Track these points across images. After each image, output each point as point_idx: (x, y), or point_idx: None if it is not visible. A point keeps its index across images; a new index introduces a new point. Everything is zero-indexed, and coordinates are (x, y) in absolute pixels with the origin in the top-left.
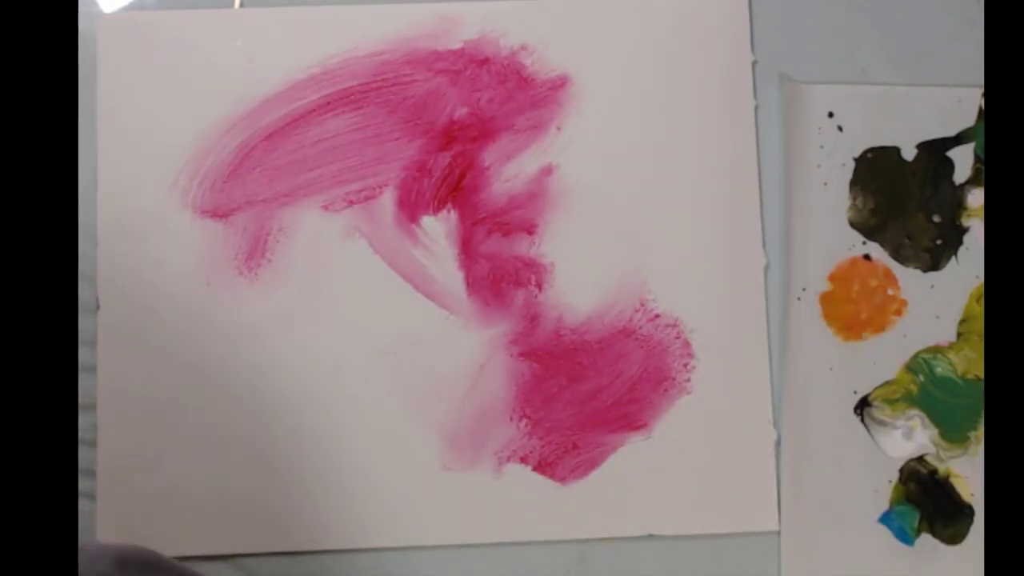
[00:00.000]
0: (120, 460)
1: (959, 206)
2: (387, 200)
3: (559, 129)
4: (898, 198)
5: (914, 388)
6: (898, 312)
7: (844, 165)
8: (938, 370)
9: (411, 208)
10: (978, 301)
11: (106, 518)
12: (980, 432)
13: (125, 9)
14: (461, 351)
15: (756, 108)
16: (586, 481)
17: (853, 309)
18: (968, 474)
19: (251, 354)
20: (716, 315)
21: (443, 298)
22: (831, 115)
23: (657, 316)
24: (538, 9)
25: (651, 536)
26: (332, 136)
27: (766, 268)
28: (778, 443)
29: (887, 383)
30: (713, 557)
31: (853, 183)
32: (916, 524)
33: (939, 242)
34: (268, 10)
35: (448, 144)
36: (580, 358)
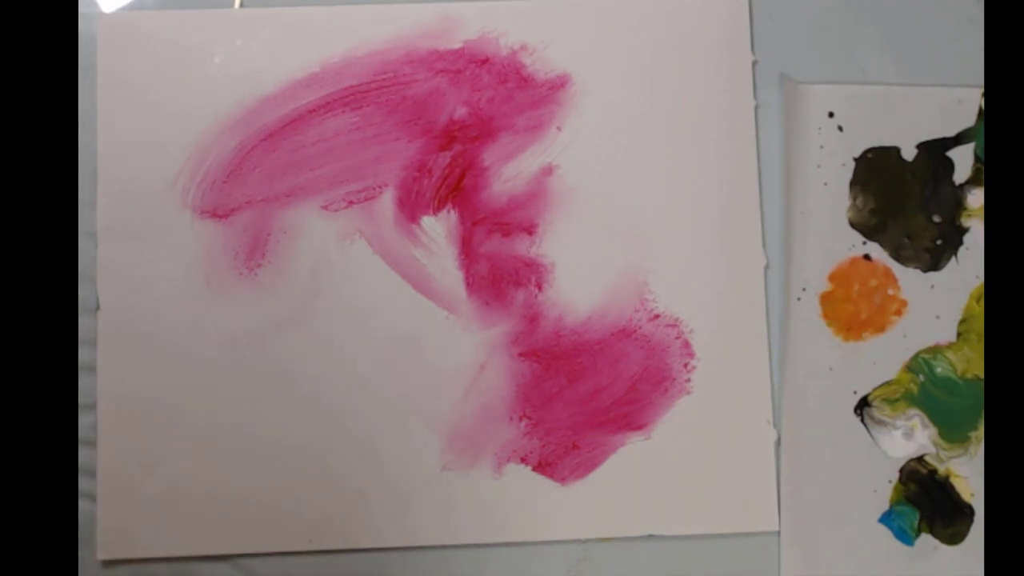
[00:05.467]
0: (120, 460)
1: (959, 206)
2: (387, 200)
3: (559, 129)
4: (898, 198)
5: (914, 388)
6: (898, 312)
7: (844, 165)
8: (938, 370)
9: (411, 208)
10: (978, 301)
11: (106, 518)
12: (980, 432)
13: (125, 9)
14: (461, 351)
15: (756, 108)
16: (586, 481)
17: (853, 309)
18: (968, 474)
19: (251, 354)
20: (716, 315)
21: (443, 298)
22: (831, 115)
23: (657, 316)
24: (538, 9)
25: (651, 536)
26: (332, 136)
27: (766, 268)
28: (778, 443)
29: (887, 383)
30: (713, 557)
31: (853, 183)
32: (916, 524)
33: (939, 242)
34: (268, 10)
35: (448, 144)
36: (580, 358)
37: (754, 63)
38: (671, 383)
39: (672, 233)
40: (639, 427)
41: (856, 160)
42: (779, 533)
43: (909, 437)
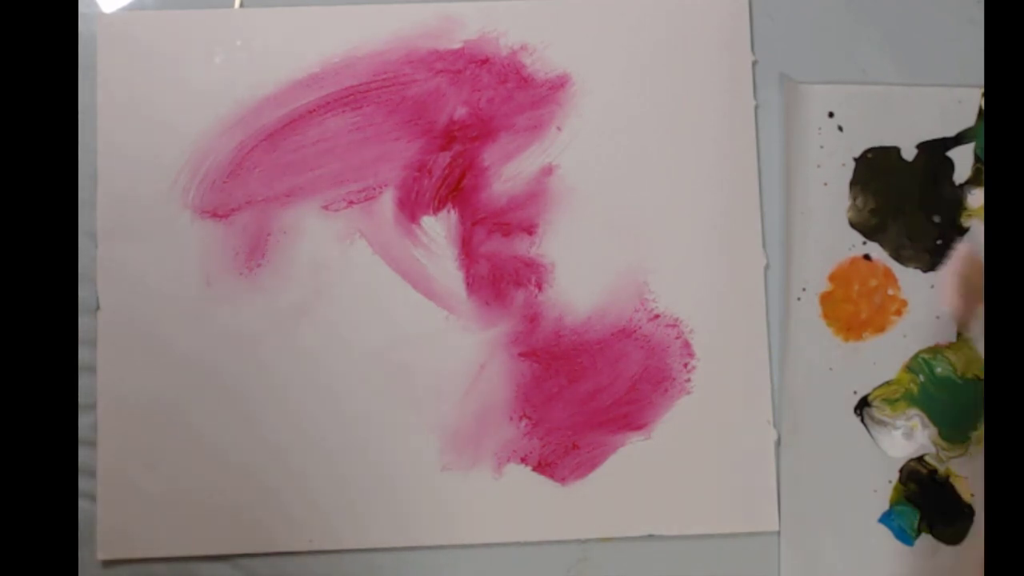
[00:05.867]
0: (120, 460)
1: (959, 206)
2: (387, 200)
3: (559, 129)
4: (898, 198)
5: (914, 388)
6: (898, 312)
7: (844, 165)
8: (938, 370)
9: (411, 208)
10: None
11: (106, 518)
12: (980, 432)
13: (125, 9)
14: (461, 351)
15: (756, 108)
16: (586, 481)
17: (853, 309)
18: (968, 474)
19: (251, 354)
20: (716, 315)
21: (443, 298)
22: (831, 115)
23: (657, 316)
24: (538, 9)
25: (651, 536)
26: (332, 136)
27: (766, 268)
28: (778, 443)
29: (887, 383)
30: (713, 557)
31: (853, 183)
32: (916, 524)
33: (939, 242)
34: (268, 10)
35: (448, 144)
36: (580, 358)
37: (754, 63)
38: (671, 383)
39: (672, 233)
40: (639, 427)
41: (856, 160)
42: (779, 533)
43: (909, 437)
